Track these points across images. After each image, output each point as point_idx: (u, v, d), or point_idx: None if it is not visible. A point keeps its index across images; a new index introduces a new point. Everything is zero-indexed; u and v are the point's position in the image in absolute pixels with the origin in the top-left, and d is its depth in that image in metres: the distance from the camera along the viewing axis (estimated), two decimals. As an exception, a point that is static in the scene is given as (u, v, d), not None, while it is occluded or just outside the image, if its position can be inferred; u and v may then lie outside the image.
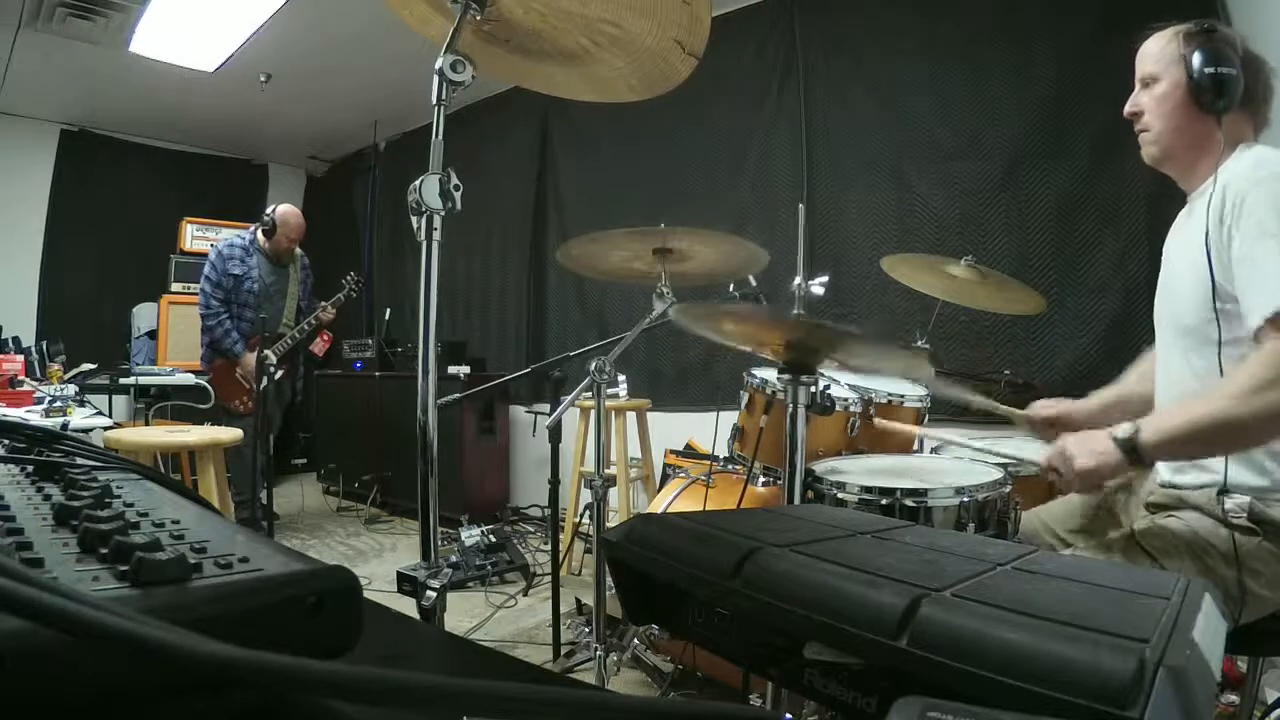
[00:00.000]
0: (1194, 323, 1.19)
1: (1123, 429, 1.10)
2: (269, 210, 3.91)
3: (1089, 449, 1.12)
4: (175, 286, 5.09)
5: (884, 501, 1.38)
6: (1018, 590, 0.48)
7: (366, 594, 0.37)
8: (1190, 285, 1.19)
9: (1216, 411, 1.03)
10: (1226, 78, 1.16)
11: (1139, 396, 1.44)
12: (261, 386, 3.27)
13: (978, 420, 2.83)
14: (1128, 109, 1.31)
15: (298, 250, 4.09)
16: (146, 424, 3.61)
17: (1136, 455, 1.09)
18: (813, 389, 1.27)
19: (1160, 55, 1.24)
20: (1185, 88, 1.20)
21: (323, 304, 4.00)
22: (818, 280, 1.89)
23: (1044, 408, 1.51)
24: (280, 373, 3.66)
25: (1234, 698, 1.60)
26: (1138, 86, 1.29)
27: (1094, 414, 1.47)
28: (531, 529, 4.11)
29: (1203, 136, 1.21)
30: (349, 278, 4.07)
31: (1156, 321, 1.35)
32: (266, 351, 3.53)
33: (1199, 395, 1.13)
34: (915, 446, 2.04)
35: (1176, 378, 1.26)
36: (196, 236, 5.23)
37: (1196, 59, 1.17)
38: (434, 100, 1.05)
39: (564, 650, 2.28)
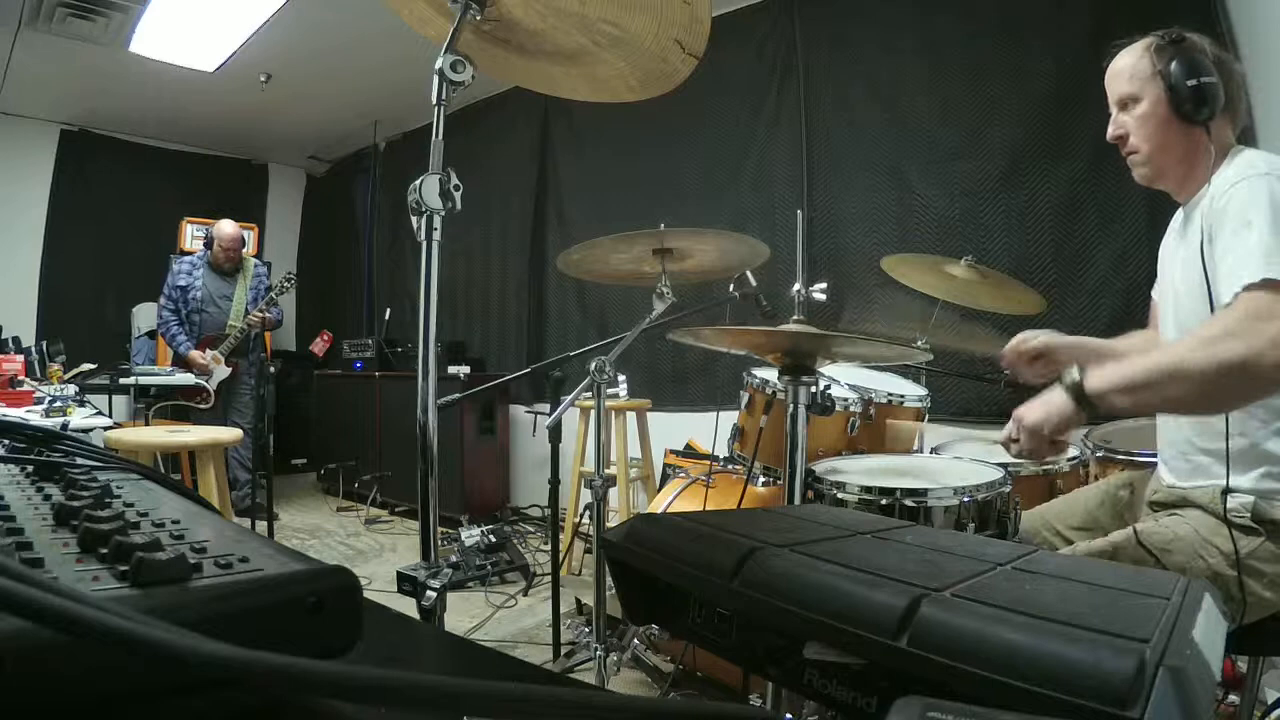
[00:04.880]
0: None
1: (1068, 376, 1.08)
2: (211, 226, 4.35)
3: (1038, 403, 1.11)
4: (175, 286, 5.10)
5: (884, 501, 1.38)
6: (1018, 590, 0.48)
7: (366, 594, 0.37)
8: (1192, 292, 1.19)
9: (1167, 360, 1.00)
10: (1208, 86, 1.14)
11: (1123, 356, 1.43)
12: (214, 386, 3.98)
13: (977, 421, 2.84)
14: (1111, 133, 1.28)
15: (253, 260, 4.43)
16: (146, 424, 3.61)
17: (1085, 402, 1.05)
18: (813, 389, 1.27)
19: (1134, 73, 1.22)
20: (1167, 103, 1.18)
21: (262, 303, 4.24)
22: (818, 287, 1.89)
23: (1028, 337, 1.48)
24: (229, 371, 4.13)
25: (1234, 698, 1.60)
26: (1115, 109, 1.27)
27: (1073, 351, 1.44)
28: (531, 529, 4.11)
29: (1192, 149, 1.20)
30: (284, 274, 4.35)
31: (1160, 328, 1.35)
32: (214, 352, 4.06)
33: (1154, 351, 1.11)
34: (915, 446, 2.05)
35: None
36: (196, 236, 5.22)
37: (1174, 71, 1.16)
38: (434, 100, 1.04)
39: (564, 650, 2.28)
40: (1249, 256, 1.02)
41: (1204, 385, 0.97)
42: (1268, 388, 0.99)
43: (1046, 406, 1.09)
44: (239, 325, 4.15)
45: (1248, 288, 0.99)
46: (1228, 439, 1.12)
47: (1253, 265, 1.00)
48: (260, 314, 4.10)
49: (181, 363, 4.12)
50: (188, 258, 4.37)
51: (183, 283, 4.20)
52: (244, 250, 4.38)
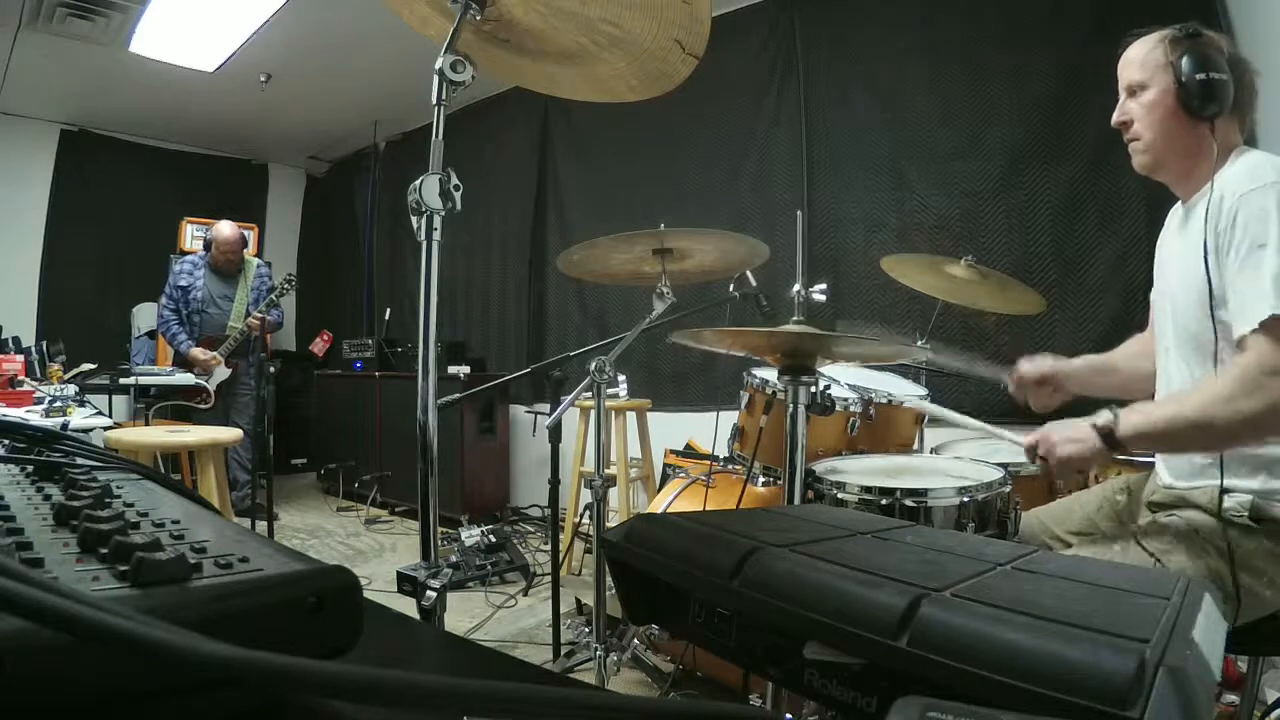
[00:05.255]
0: (1196, 330, 1.19)
1: (1102, 418, 1.14)
2: (211, 229, 4.31)
3: (1069, 436, 1.17)
4: (175, 286, 5.09)
5: (884, 501, 1.38)
6: (1018, 590, 0.48)
7: (366, 594, 0.37)
8: (1189, 293, 1.19)
9: (1190, 413, 1.07)
10: (1217, 83, 1.14)
11: (1125, 370, 1.49)
12: (214, 386, 3.98)
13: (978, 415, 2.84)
14: (1116, 118, 1.29)
15: (254, 261, 4.40)
16: (146, 424, 3.61)
17: (1114, 443, 1.13)
18: (813, 389, 1.27)
19: (1146, 62, 1.22)
20: (1175, 95, 1.18)
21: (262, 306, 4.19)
22: (818, 287, 1.89)
23: (1033, 366, 1.54)
24: (229, 372, 4.10)
25: (1234, 698, 1.60)
26: (1124, 95, 1.27)
27: (1079, 375, 1.52)
28: (531, 529, 4.11)
29: (1195, 143, 1.20)
30: (285, 277, 4.28)
31: (1158, 329, 1.35)
32: (214, 353, 4.04)
33: (1176, 395, 1.19)
34: (915, 445, 2.04)
35: (1176, 383, 1.26)
36: (196, 236, 5.22)
37: (1185, 65, 1.16)
38: (434, 100, 1.04)
39: (564, 650, 2.28)
40: (1262, 289, 1.04)
41: (1226, 439, 1.08)
42: None
43: (1079, 444, 1.15)
44: (238, 327, 4.13)
45: (1261, 324, 1.04)
46: None
47: (1266, 298, 1.04)
48: (260, 316, 4.06)
49: (182, 362, 4.11)
50: (189, 257, 4.36)
51: (184, 283, 4.19)
52: (245, 250, 4.36)
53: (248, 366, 4.10)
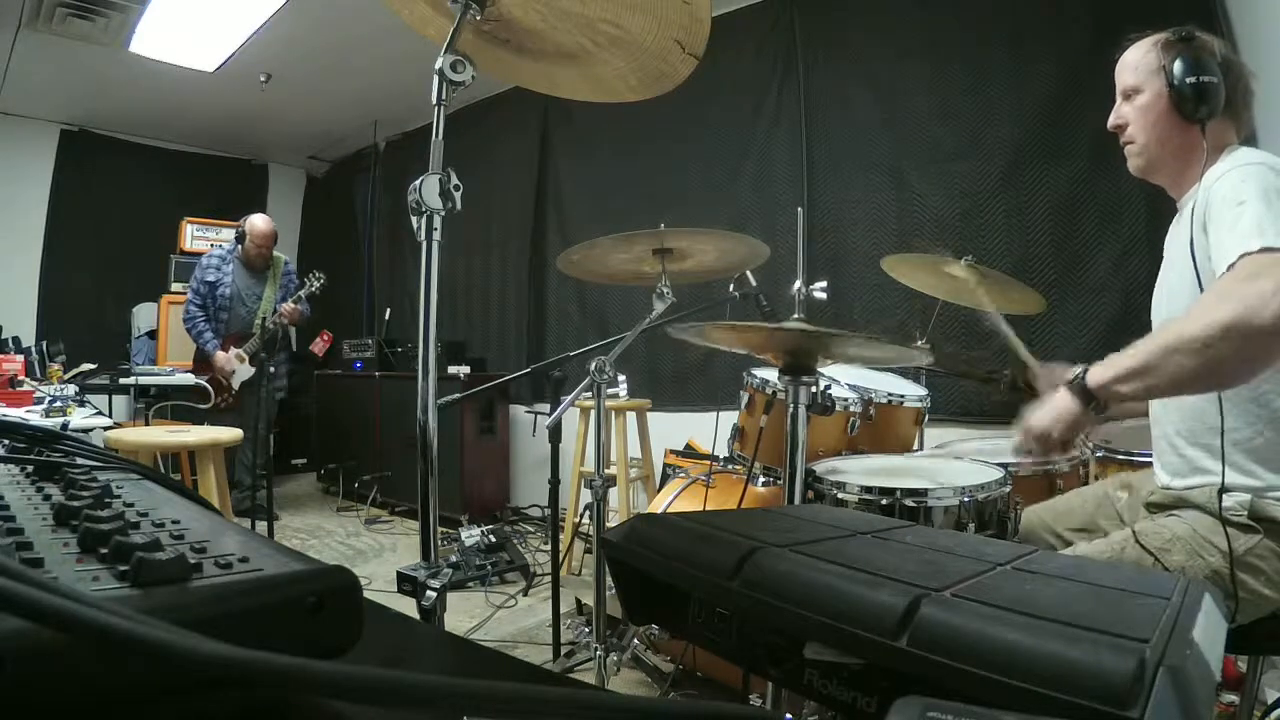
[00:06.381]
0: None
1: (1071, 373, 1.09)
2: (242, 221, 4.17)
3: (1044, 407, 1.11)
4: (175, 286, 5.07)
5: (884, 501, 1.38)
6: (1018, 590, 0.48)
7: (366, 594, 0.37)
8: (1181, 290, 1.20)
9: (1165, 336, 0.99)
10: (1207, 86, 1.16)
11: None
12: (238, 386, 3.90)
13: (977, 421, 2.84)
14: (1111, 122, 1.31)
15: (282, 258, 4.30)
16: (146, 424, 3.61)
17: (1090, 397, 1.06)
18: (813, 389, 1.27)
19: (1140, 66, 1.24)
20: (1167, 98, 1.20)
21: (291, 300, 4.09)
22: (818, 285, 1.89)
23: (1053, 372, 1.47)
24: (252, 372, 4.00)
25: (1234, 698, 1.60)
26: (1120, 99, 1.29)
27: None
28: (531, 529, 4.11)
29: (1187, 145, 1.21)
30: (311, 275, 4.16)
31: (1154, 325, 1.35)
32: (239, 350, 3.95)
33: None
34: (915, 445, 2.04)
35: None
36: (196, 236, 5.22)
37: (1177, 68, 1.17)
38: (434, 100, 1.04)
39: (564, 650, 2.28)
40: (1242, 232, 1.01)
41: (1204, 353, 0.94)
42: (1268, 346, 0.93)
43: (1053, 410, 1.10)
44: (266, 320, 4.03)
45: (1243, 256, 0.99)
46: (1222, 436, 1.12)
47: (1248, 238, 1.00)
48: (293, 306, 3.99)
49: (204, 362, 4.02)
50: (216, 251, 4.20)
51: (211, 278, 4.07)
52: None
53: (269, 367, 4.05)
